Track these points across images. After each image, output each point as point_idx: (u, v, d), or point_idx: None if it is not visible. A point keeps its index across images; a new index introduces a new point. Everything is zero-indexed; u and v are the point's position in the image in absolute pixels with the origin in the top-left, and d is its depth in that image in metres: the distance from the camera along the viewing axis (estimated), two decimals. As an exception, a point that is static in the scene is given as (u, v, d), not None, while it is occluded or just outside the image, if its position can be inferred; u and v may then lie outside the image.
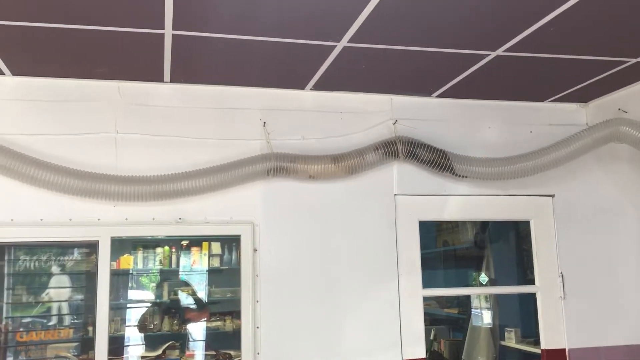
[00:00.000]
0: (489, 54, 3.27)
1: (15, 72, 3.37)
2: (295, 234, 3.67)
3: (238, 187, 3.57)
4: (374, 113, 3.89)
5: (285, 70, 3.50)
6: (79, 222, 3.38)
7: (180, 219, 3.55)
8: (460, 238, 5.26)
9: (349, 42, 3.06)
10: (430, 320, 3.83)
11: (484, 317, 5.01)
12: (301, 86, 3.74)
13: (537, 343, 4.06)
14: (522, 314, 4.69)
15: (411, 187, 3.88)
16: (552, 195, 4.08)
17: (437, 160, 3.74)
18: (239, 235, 3.62)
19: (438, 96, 3.98)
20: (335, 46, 3.13)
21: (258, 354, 3.51)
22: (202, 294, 6.32)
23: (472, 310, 5.21)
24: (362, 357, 3.63)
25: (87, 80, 3.49)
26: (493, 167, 3.80)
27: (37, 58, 3.21)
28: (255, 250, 3.60)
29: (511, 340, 4.53)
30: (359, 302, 3.70)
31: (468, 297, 5.24)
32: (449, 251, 5.37)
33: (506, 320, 4.73)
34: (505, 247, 4.77)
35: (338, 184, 3.74)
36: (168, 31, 2.91)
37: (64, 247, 5.84)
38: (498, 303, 4.89)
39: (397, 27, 2.91)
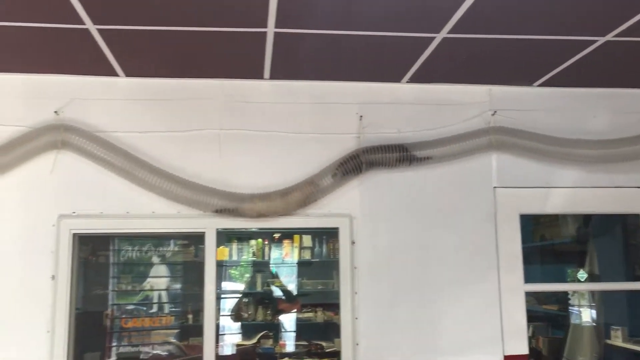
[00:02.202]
0: (597, 40, 3.13)
1: (129, 74, 3.58)
2: (393, 226, 3.68)
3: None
4: (471, 104, 3.82)
5: (382, 64, 3.51)
6: (186, 215, 3.54)
7: (281, 211, 3.63)
8: (560, 232, 5.07)
9: (449, 33, 3.03)
10: (528, 316, 3.74)
11: (587, 315, 4.81)
12: (397, 79, 3.73)
13: (645, 342, 3.87)
14: (629, 311, 4.47)
15: (512, 179, 3.78)
16: (665, 187, 3.86)
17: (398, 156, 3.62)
18: (337, 228, 3.67)
19: (539, 85, 3.85)
20: (434, 38, 3.10)
21: (357, 344, 3.55)
22: (294, 286, 6.48)
23: (573, 307, 5.01)
24: (461, 352, 3.60)
25: (192, 79, 3.65)
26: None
27: (147, 60, 3.40)
28: (353, 242, 3.64)
29: (617, 339, 4.33)
30: (458, 296, 3.66)
31: (568, 294, 5.05)
32: (547, 246, 5.18)
33: (612, 318, 4.52)
34: (611, 241, 4.54)
35: (435, 177, 3.73)
36: (270, 29, 3.00)
37: (163, 239, 6.17)
38: (603, 300, 4.68)
39: (499, 16, 2.85)
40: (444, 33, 3.04)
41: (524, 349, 3.64)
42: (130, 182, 3.48)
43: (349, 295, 3.59)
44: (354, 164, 3.57)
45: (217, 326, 5.29)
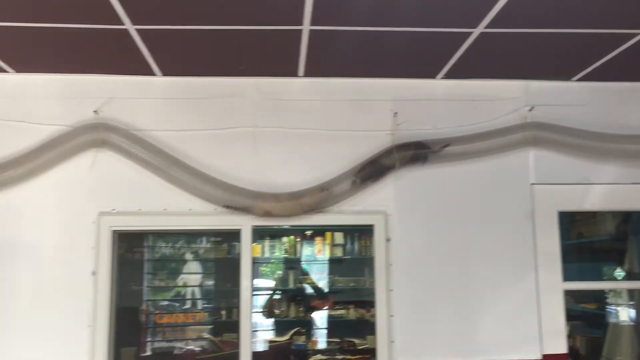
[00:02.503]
0: (638, 33, 3.06)
1: (165, 73, 3.63)
2: (428, 223, 3.66)
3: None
4: (507, 100, 3.77)
5: (417, 60, 3.48)
6: (222, 212, 3.56)
7: (315, 208, 3.64)
8: (598, 229, 4.96)
9: (486, 27, 2.99)
10: (565, 315, 3.68)
11: (625, 314, 4.71)
12: (432, 75, 3.71)
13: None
14: (672, 311, 4.35)
15: (549, 175, 3.72)
16: None
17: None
18: (372, 225, 3.66)
19: (578, 80, 3.77)
20: (471, 33, 3.07)
21: (392, 342, 3.54)
22: (325, 283, 6.49)
23: (611, 306, 4.91)
24: (498, 351, 3.56)
25: (227, 77, 3.68)
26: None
27: (184, 59, 3.44)
28: (388, 240, 3.63)
29: (658, 339, 4.23)
30: (494, 294, 3.62)
31: (605, 292, 4.95)
32: (584, 244, 5.08)
33: (653, 318, 4.41)
34: (652, 239, 4.44)
35: (472, 173, 3.69)
36: (306, 27, 3.01)
37: (195, 235, 6.23)
38: (644, 299, 4.57)
39: (538, 9, 2.81)
40: (481, 28, 3.00)
41: (563, 348, 3.58)
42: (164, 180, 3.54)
43: (384, 293, 3.58)
44: (373, 169, 3.56)
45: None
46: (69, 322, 3.42)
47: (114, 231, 3.54)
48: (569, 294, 3.76)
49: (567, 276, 3.70)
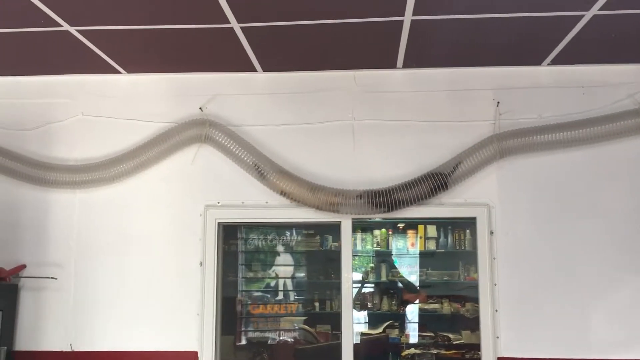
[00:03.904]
0: None
1: (266, 69, 3.71)
2: (534, 215, 3.53)
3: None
4: (619, 85, 3.56)
5: (521, 47, 3.36)
6: (322, 205, 3.60)
7: (415, 201, 3.60)
8: None
9: (600, 9, 2.84)
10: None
11: None
12: (537, 62, 3.56)
13: None
14: None
15: (669, 162, 3.49)
16: None
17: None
18: (474, 218, 3.58)
19: (701, 61, 3.51)
20: (582, 16, 2.93)
21: (497, 337, 3.45)
22: (418, 277, 6.41)
23: None
24: (610, 349, 3.39)
25: (326, 71, 3.71)
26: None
27: (284, 54, 3.50)
28: (491, 232, 3.54)
29: None
30: (606, 290, 3.44)
31: None
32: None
33: None
34: None
35: (581, 162, 3.54)
36: (407, 17, 2.97)
37: (286, 228, 6.35)
38: None
39: (660, -13, 2.63)
40: (594, 10, 2.85)
41: (685, 349, 3.35)
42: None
43: (488, 287, 3.50)
44: (382, 200, 3.47)
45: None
46: (180, 311, 3.58)
47: (219, 223, 3.67)
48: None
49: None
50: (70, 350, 3.58)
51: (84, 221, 3.70)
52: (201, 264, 3.62)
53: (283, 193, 3.52)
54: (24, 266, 3.62)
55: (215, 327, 3.60)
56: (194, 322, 3.57)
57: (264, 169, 3.53)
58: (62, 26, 3.06)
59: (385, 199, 3.46)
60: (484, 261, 3.53)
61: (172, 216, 3.69)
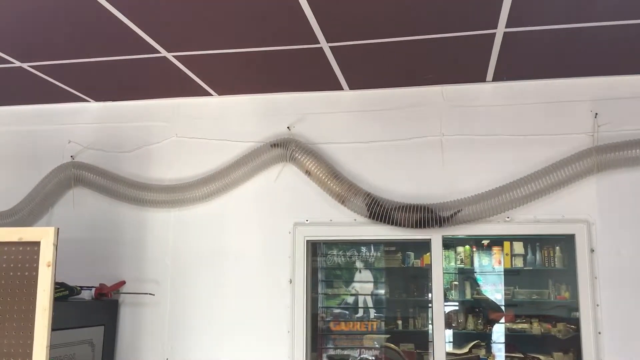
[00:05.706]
0: None
1: (352, 87, 3.73)
2: (638, 232, 3.33)
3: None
4: None
5: (621, 55, 3.21)
6: (411, 222, 3.55)
7: (508, 217, 3.49)
8: None
9: None
10: None
11: None
12: (638, 70, 3.39)
13: None
14: None
15: None
16: None
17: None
18: (572, 235, 3.42)
19: None
20: (691, 20, 2.76)
21: (601, 361, 3.27)
22: (503, 295, 6.20)
23: None
24: None
25: (413, 87, 3.69)
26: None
27: (370, 72, 3.51)
28: (592, 250, 3.37)
29: None
30: None
31: None
32: None
33: None
34: None
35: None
36: (500, 30, 2.91)
37: (365, 244, 6.32)
38: None
39: None
40: None
41: None
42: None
43: (590, 308, 3.32)
44: (379, 210, 3.48)
45: (426, 334, 5.24)
46: (271, 327, 3.63)
47: (308, 241, 3.70)
48: None
49: None
50: (166, 364, 3.71)
51: (179, 239, 3.83)
52: (290, 281, 3.65)
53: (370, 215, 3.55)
54: (123, 282, 3.79)
55: (306, 344, 3.62)
56: (284, 339, 3.60)
57: (345, 196, 3.56)
58: (160, 52, 3.21)
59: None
60: (585, 280, 3.36)
61: (262, 233, 3.75)
